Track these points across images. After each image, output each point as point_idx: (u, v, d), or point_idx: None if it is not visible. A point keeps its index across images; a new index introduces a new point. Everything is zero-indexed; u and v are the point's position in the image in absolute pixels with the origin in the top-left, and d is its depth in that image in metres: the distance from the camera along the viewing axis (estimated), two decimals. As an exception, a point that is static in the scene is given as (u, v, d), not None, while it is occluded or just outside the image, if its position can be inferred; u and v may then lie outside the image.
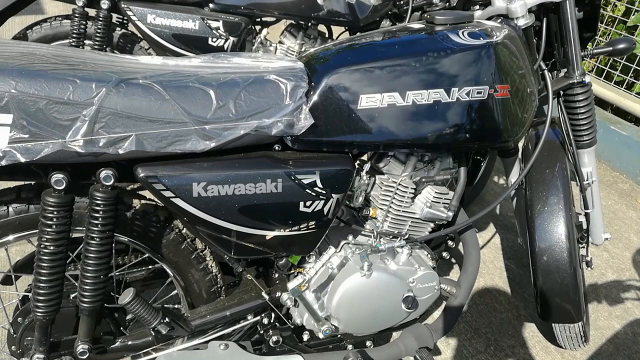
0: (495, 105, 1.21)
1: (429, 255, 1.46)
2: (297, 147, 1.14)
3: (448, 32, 1.20)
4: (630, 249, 2.49)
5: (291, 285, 1.19)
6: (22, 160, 0.92)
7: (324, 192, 1.15)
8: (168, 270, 1.28)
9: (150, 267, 1.38)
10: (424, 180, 1.34)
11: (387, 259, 1.34)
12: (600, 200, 1.67)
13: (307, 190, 1.14)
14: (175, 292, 1.37)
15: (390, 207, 1.33)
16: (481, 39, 1.20)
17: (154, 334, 1.19)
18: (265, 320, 1.31)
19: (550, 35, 1.46)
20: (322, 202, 1.16)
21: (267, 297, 1.29)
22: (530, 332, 1.96)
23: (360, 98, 1.13)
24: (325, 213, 1.18)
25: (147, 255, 1.26)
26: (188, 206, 1.07)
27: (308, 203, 1.15)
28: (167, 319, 1.17)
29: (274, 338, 1.31)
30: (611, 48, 1.46)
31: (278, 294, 1.31)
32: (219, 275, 1.33)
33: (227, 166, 1.08)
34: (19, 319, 1.20)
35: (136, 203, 1.20)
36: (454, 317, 1.50)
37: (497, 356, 1.83)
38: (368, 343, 1.44)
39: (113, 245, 1.10)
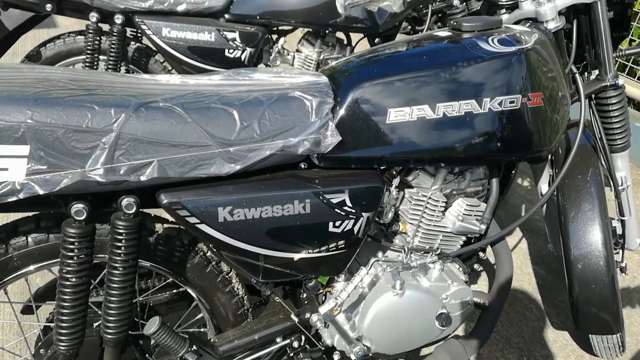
0: (529, 114, 1.15)
1: (461, 269, 1.40)
2: (324, 165, 1.10)
3: (477, 40, 1.14)
4: (661, 249, 2.41)
5: (323, 309, 1.14)
6: (41, 192, 0.88)
7: (353, 211, 1.10)
8: (193, 294, 1.24)
9: (174, 290, 1.34)
10: (454, 192, 1.29)
11: (419, 276, 1.29)
12: (634, 205, 1.60)
13: (337, 209, 1.09)
14: (200, 315, 1.33)
15: (421, 221, 1.28)
16: (512, 45, 1.14)
17: (181, 363, 1.15)
18: (296, 344, 1.26)
19: (581, 37, 1.40)
20: (352, 221, 1.11)
21: (296, 319, 1.24)
22: (564, 341, 1.89)
23: (389, 112, 1.08)
24: (355, 232, 1.13)
25: (170, 279, 1.23)
26: (214, 232, 1.02)
27: (337, 223, 1.10)
28: (194, 347, 1.13)
29: (305, 362, 1.26)
30: None
31: (307, 315, 1.26)
32: (246, 297, 1.29)
33: (253, 189, 1.04)
34: (42, 350, 1.17)
35: (159, 227, 1.16)
36: (488, 330, 1.44)
37: (531, 367, 1.78)
38: (400, 362, 1.39)
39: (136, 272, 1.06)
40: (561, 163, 1.50)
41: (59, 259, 0.99)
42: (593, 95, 1.44)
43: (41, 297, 1.27)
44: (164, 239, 1.16)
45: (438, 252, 1.32)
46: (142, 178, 0.94)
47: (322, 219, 1.09)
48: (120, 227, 0.99)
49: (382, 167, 1.17)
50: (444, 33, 1.22)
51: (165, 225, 1.17)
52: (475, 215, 1.30)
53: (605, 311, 1.44)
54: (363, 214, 1.12)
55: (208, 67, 2.09)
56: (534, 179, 1.64)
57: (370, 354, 1.34)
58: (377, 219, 1.26)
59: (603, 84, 1.39)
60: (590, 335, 1.62)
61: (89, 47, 2.02)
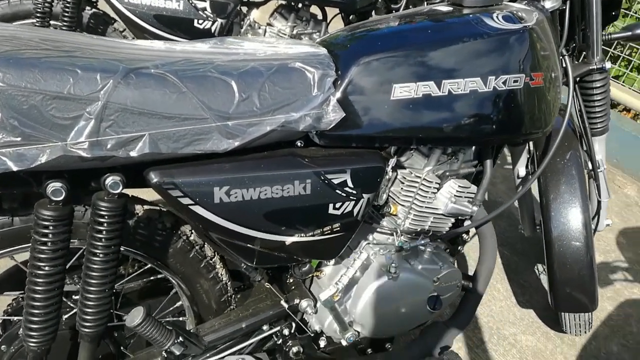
0: (531, 94, 1.13)
1: (448, 251, 1.38)
2: (323, 143, 1.02)
3: (482, 16, 1.10)
4: (613, 231, 2.53)
5: (324, 295, 1.08)
6: (15, 168, 0.76)
7: (354, 192, 1.04)
8: (173, 280, 1.15)
9: (151, 277, 1.23)
10: (447, 174, 1.26)
11: (411, 259, 1.25)
12: (606, 188, 1.64)
13: (338, 190, 1.03)
14: (179, 303, 1.23)
15: (414, 203, 1.24)
16: (516, 23, 1.10)
17: (165, 355, 1.06)
18: (286, 331, 1.20)
19: (573, 19, 1.39)
20: (353, 202, 1.05)
21: (286, 305, 1.17)
22: (530, 318, 1.94)
23: (393, 88, 1.02)
24: (354, 215, 1.07)
25: (149, 265, 1.12)
26: (208, 214, 0.93)
27: (338, 204, 1.04)
28: (180, 338, 1.04)
29: (295, 349, 1.20)
30: (630, 33, 1.41)
31: (296, 301, 1.19)
32: (229, 283, 1.21)
33: (251, 167, 0.95)
34: (3, 347, 1.04)
35: (139, 209, 1.05)
36: (471, 312, 1.44)
37: (500, 345, 1.81)
38: (387, 345, 1.36)
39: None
40: (543, 146, 1.51)
41: (30, 245, 0.87)
42: (578, 79, 1.44)
43: (1, 288, 1.13)
44: (145, 221, 1.05)
45: (430, 234, 1.30)
46: (132, 154, 0.83)
47: (322, 200, 1.02)
48: (103, 209, 0.88)
49: (383, 146, 1.11)
50: (445, 8, 1.16)
51: (146, 207, 1.07)
52: (466, 197, 1.28)
53: (583, 291, 1.48)
54: (364, 195, 1.06)
55: (174, 38, 1.93)
56: (512, 161, 1.65)
57: (359, 339, 1.30)
58: (371, 200, 1.21)
59: (590, 67, 1.39)
60: (561, 314, 1.66)
61: (38, 11, 1.81)
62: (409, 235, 1.27)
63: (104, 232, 0.89)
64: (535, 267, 2.20)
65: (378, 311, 1.19)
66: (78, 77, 0.78)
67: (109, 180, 0.87)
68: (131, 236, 1.04)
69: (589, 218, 1.46)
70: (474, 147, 1.27)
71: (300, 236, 1.04)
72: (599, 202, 1.59)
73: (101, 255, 0.90)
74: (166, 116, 0.84)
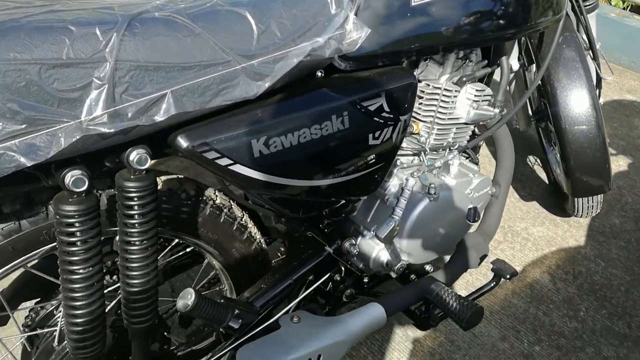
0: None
1: (472, 160, 1.33)
2: (349, 68, 0.91)
3: None
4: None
5: (382, 232, 1.00)
6: (29, 163, 0.61)
7: (391, 115, 0.95)
8: (205, 251, 1.04)
9: (180, 253, 1.12)
10: (464, 79, 1.17)
11: (444, 175, 1.20)
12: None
13: (375, 117, 0.93)
14: (212, 273, 1.14)
15: (436, 117, 1.16)
16: None
17: (223, 331, 0.98)
18: (336, 276, 1.13)
19: None
20: (391, 128, 0.96)
21: (330, 249, 1.10)
22: (535, 210, 1.97)
23: (415, -9, 0.91)
24: (394, 140, 0.98)
25: (176, 240, 1.01)
26: (250, 171, 0.82)
27: (377, 133, 0.95)
28: (236, 311, 0.95)
29: (347, 292, 1.14)
30: None
31: (338, 243, 1.12)
32: (263, 240, 1.11)
33: (285, 110, 0.84)
34: (39, 363, 0.92)
35: (157, 182, 0.92)
36: (498, 216, 1.42)
37: (516, 241, 1.83)
38: (428, 267, 1.32)
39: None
40: (539, 34, 1.45)
41: (58, 250, 0.73)
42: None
43: (15, 300, 0.99)
44: (166, 195, 0.93)
45: (456, 146, 1.23)
46: (157, 118, 0.69)
47: (362, 131, 0.92)
48: (134, 190, 0.75)
49: (410, 60, 1.01)
50: None
51: (164, 178, 0.94)
52: (485, 100, 1.21)
53: (599, 173, 1.48)
54: (400, 117, 0.97)
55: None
56: (497, 56, 1.58)
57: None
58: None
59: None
60: (575, 199, 1.68)
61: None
62: (434, 152, 1.21)
63: (138, 217, 0.76)
64: (527, 159, 2.22)
65: (425, 235, 1.14)
66: (74, 36, 0.63)
67: (134, 155, 0.73)
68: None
69: (597, 99, 1.44)
70: (490, 46, 1.19)
71: (345, 175, 0.95)
72: (599, 81, 1.57)
73: (140, 243, 0.78)
74: (186, 67, 0.70)
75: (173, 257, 1.10)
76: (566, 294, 1.64)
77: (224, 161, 0.79)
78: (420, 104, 1.15)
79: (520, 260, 1.76)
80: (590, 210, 1.74)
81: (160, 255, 1.08)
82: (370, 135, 0.94)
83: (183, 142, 0.75)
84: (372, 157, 0.97)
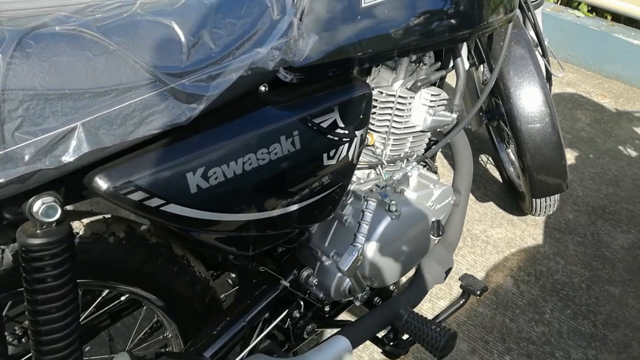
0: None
1: (430, 168, 1.26)
2: (296, 80, 0.80)
3: None
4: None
5: (344, 265, 0.89)
6: None
7: (347, 131, 0.85)
8: (142, 298, 0.90)
9: (112, 304, 0.97)
10: (419, 84, 1.09)
11: (403, 188, 1.11)
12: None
13: (329, 135, 0.82)
14: (154, 320, 1.00)
15: (392, 126, 1.07)
16: None
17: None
18: (295, 312, 1.02)
19: None
20: (347, 144, 0.86)
21: (286, 283, 0.98)
22: (492, 211, 1.93)
23: (365, -9, 0.81)
24: (351, 158, 0.88)
25: (106, 291, 0.87)
26: (188, 210, 0.69)
27: (332, 152, 0.84)
28: (182, 370, 0.82)
29: (309, 327, 1.03)
30: None
31: (295, 274, 1.01)
32: (210, 279, 0.99)
33: (224, 135, 0.71)
34: None
35: (77, 227, 0.77)
36: (460, 225, 1.35)
37: (476, 245, 1.78)
38: (392, 288, 1.24)
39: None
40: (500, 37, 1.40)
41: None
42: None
43: None
44: (91, 240, 0.78)
45: (414, 156, 1.15)
46: (65, 159, 0.56)
47: (315, 152, 0.82)
48: (42, 248, 0.60)
49: (362, 68, 0.92)
50: None
51: (86, 221, 0.79)
52: (441, 105, 1.13)
53: (556, 172, 1.44)
54: (356, 132, 0.87)
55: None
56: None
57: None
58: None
59: None
60: (533, 199, 1.65)
61: None
62: (392, 164, 1.12)
63: (50, 280, 0.62)
64: (480, 158, 2.18)
65: (389, 257, 1.05)
66: (-57, 62, 0.48)
67: (38, 205, 0.59)
68: (77, 264, 0.77)
69: (550, 97, 1.40)
70: (442, 48, 1.11)
71: (300, 201, 0.84)
72: (549, 78, 1.54)
73: (53, 311, 0.64)
74: (99, 92, 0.57)
75: (105, 309, 0.95)
76: (530, 296, 1.60)
77: (154, 202, 0.65)
78: (374, 113, 1.06)
79: (482, 265, 1.71)
80: (548, 209, 1.72)
81: (89, 310, 0.93)
82: (325, 155, 0.83)
83: (102, 183, 0.62)
84: (328, 178, 0.86)
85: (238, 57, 0.69)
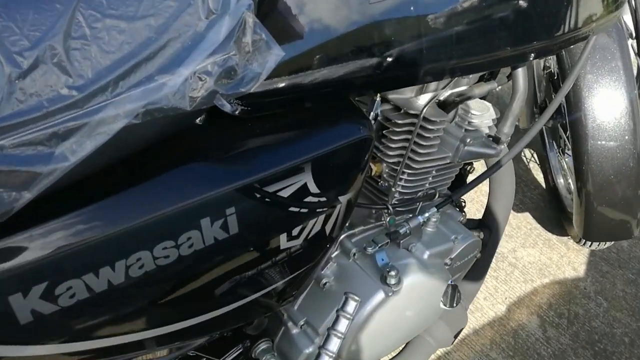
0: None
1: (454, 203, 0.94)
2: (244, 114, 0.48)
3: None
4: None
5: None
6: None
7: (323, 199, 0.54)
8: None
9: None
10: (456, 99, 0.76)
11: (413, 244, 0.80)
12: None
13: (292, 208, 0.52)
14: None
15: (410, 156, 0.75)
16: None
17: None
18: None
19: None
20: (322, 216, 0.55)
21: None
22: (527, 225, 1.61)
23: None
24: (328, 233, 0.58)
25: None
26: (17, 348, 0.41)
27: (296, 230, 0.54)
28: None
29: None
30: None
31: (245, 346, 0.74)
32: None
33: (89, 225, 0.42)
34: None
35: None
36: (484, 270, 1.06)
37: (500, 268, 1.48)
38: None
39: None
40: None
41: None
42: None
43: None
44: None
45: (435, 197, 0.83)
46: None
47: (266, 235, 0.51)
48: None
49: (359, 92, 0.59)
50: None
51: None
52: (484, 128, 0.80)
53: (627, 212, 1.10)
54: (340, 198, 0.56)
55: None
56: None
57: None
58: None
59: None
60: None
61: None
62: (401, 207, 0.80)
63: None
64: (522, 152, 1.83)
65: (378, 340, 0.77)
66: None
67: None
68: None
69: (638, 107, 1.03)
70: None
71: (235, 301, 0.55)
72: None
73: None
74: None
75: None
76: (558, 346, 1.32)
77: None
78: (385, 136, 0.74)
79: (504, 295, 1.42)
80: (602, 245, 1.39)
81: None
82: (284, 236, 0.53)
83: None
84: (286, 265, 0.56)
85: (125, 92, 0.38)
